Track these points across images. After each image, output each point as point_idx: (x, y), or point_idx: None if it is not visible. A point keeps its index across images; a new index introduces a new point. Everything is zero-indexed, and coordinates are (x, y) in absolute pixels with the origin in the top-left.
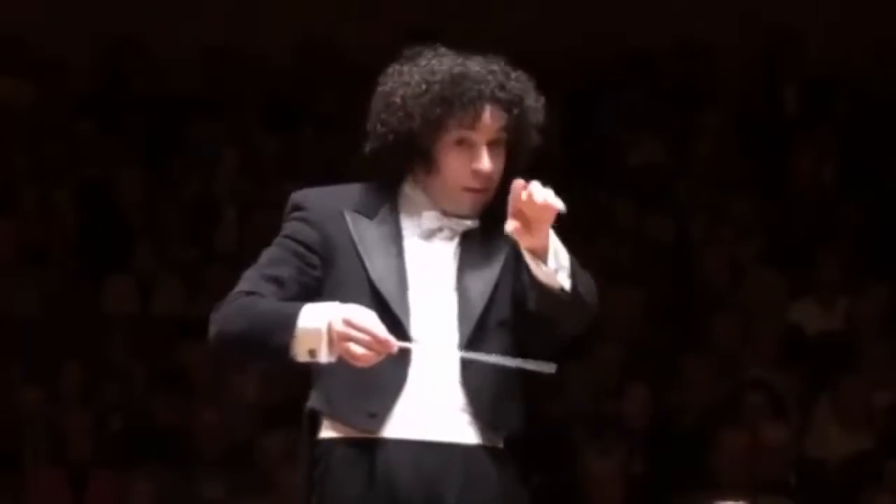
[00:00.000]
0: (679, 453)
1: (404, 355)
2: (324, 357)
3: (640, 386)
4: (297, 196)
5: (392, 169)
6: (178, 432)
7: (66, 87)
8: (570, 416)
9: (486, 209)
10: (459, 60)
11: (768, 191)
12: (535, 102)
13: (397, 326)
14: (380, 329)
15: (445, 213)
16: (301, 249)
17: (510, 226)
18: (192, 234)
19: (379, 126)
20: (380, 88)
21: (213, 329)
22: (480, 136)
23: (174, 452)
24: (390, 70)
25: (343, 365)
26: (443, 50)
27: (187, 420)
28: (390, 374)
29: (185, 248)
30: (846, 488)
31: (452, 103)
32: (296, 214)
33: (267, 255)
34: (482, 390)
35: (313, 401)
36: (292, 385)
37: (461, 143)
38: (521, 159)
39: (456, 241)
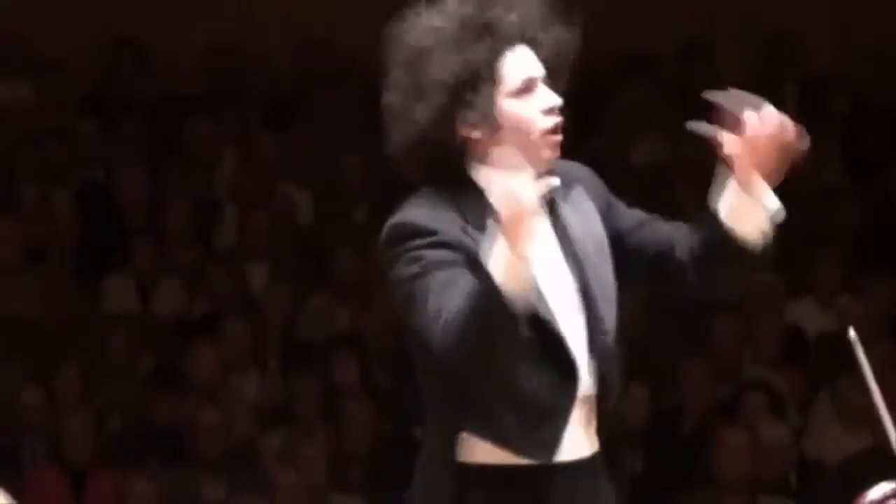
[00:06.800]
0: (679, 453)
1: (566, 379)
2: (527, 253)
3: (640, 386)
4: (413, 222)
5: (444, 159)
6: (178, 432)
7: (66, 87)
8: None
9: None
10: (469, 9)
11: None
12: (561, 28)
13: (558, 347)
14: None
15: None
16: (459, 266)
17: (732, 145)
18: (192, 234)
19: (426, 110)
20: (399, 76)
21: (447, 345)
22: (535, 76)
23: (174, 452)
24: (403, 53)
25: (501, 388)
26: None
27: (187, 420)
28: (554, 396)
29: (185, 248)
30: (846, 488)
31: (497, 52)
32: (428, 240)
33: (435, 283)
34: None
35: (465, 424)
36: (292, 385)
37: (523, 88)
38: (560, 90)
39: (546, 218)
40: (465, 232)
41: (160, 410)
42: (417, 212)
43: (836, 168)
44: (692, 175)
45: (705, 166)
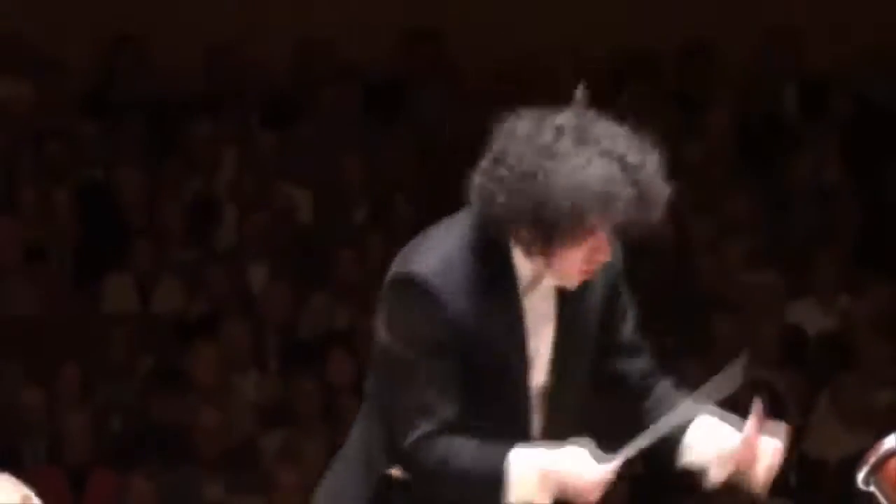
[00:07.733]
0: None
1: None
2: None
3: None
4: (425, 284)
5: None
6: (178, 432)
7: (66, 87)
8: None
9: None
10: (606, 154)
11: (768, 191)
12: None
13: (523, 417)
14: (590, 473)
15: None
16: (450, 357)
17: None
18: (192, 234)
19: (516, 198)
20: (522, 163)
21: (421, 477)
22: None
23: (174, 452)
24: (541, 141)
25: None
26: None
27: (187, 420)
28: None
29: (185, 248)
30: (846, 488)
31: (604, 209)
32: (438, 318)
33: (424, 373)
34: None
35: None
36: (292, 385)
37: (591, 234)
38: None
39: (553, 302)
40: (481, 311)
41: (160, 410)
42: (441, 277)
43: (836, 168)
44: (691, 175)
45: (705, 166)
